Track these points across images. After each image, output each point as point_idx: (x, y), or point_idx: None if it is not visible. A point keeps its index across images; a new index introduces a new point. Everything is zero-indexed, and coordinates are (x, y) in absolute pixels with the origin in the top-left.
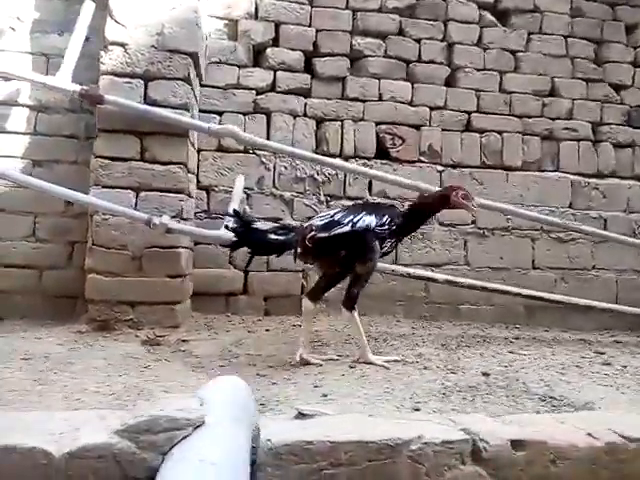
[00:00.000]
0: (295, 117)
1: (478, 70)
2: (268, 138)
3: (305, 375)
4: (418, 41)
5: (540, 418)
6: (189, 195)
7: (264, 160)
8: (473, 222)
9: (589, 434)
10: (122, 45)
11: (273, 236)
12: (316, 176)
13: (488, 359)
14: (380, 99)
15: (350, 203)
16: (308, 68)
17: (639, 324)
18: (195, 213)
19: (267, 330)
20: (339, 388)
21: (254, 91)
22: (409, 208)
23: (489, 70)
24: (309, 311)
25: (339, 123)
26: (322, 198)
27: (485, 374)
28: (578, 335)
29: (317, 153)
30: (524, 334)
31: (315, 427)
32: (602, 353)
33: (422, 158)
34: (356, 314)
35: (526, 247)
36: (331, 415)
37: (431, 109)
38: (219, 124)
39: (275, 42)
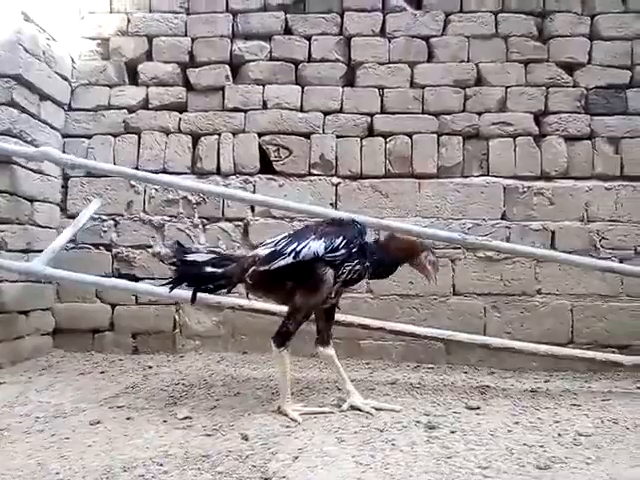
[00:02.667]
0: (168, 134)
1: (382, 64)
2: (138, 158)
3: None
4: (308, 38)
5: None
6: (37, 225)
7: (133, 183)
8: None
9: None
10: None
11: (209, 269)
12: (190, 197)
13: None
14: (264, 107)
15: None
16: (186, 80)
17: (604, 364)
18: None
19: (102, 372)
20: None
21: (126, 110)
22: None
23: (396, 63)
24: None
25: (216, 137)
26: (196, 221)
27: (245, 438)
28: (489, 381)
29: (194, 171)
30: (412, 377)
31: None
32: (475, 408)
33: (313, 170)
34: (285, 354)
35: (444, 269)
36: None
37: (325, 114)
38: (88, 147)
39: (149, 57)
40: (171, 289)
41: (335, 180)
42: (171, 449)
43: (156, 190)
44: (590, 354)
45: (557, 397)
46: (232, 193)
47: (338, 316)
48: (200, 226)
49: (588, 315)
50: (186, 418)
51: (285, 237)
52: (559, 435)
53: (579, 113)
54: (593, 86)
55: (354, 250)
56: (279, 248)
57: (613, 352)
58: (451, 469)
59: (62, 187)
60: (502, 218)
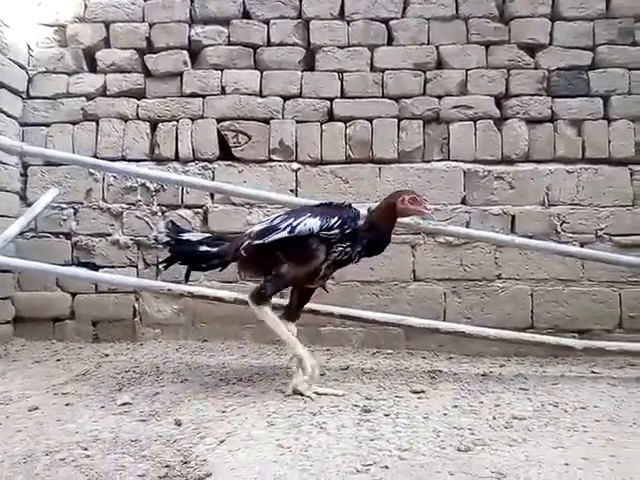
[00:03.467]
0: (126, 121)
1: (341, 48)
2: (96, 146)
3: None
4: (266, 22)
5: None
6: None
7: (92, 170)
8: None
9: None
10: None
11: (204, 247)
12: (148, 184)
13: (231, 399)
14: (223, 92)
15: (182, 213)
16: (144, 67)
17: (563, 349)
18: (22, 232)
19: (57, 360)
20: None
21: (84, 98)
22: (365, 224)
23: (355, 46)
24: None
25: (174, 123)
26: (155, 209)
27: (178, 423)
28: (444, 366)
29: (152, 158)
30: (368, 363)
31: None
32: (419, 392)
33: (273, 156)
34: (267, 308)
35: (404, 255)
36: None
37: (284, 99)
38: (47, 136)
39: (107, 43)
40: (165, 268)
41: (295, 166)
42: (101, 434)
43: (115, 178)
44: (541, 338)
45: (507, 381)
46: (192, 181)
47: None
48: (159, 214)
49: (548, 300)
50: (125, 404)
51: (280, 215)
52: (494, 418)
53: (541, 95)
54: (555, 68)
55: (347, 232)
56: (274, 224)
57: (574, 337)
58: (370, 451)
59: (21, 175)
60: (462, 203)
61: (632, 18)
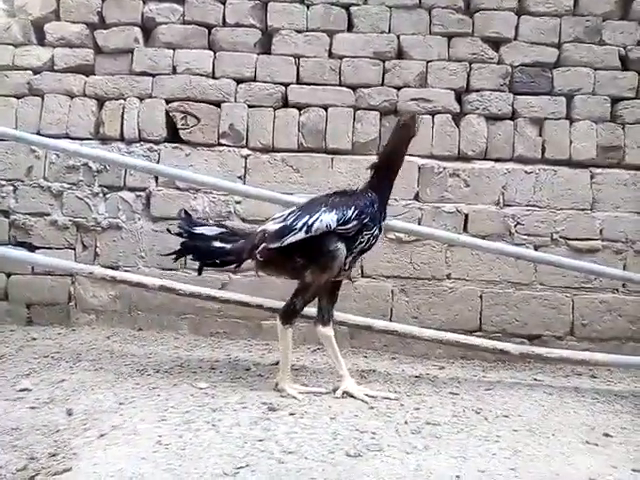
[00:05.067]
0: (72, 97)
1: (299, 32)
2: (40, 121)
3: None
4: (223, 2)
5: None
6: None
7: (33, 147)
8: None
9: None
10: None
11: (218, 243)
12: (91, 164)
13: (137, 391)
14: (174, 72)
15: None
16: (95, 42)
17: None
18: None
19: None
20: None
21: (30, 71)
22: (374, 172)
23: (313, 31)
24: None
25: (121, 102)
26: (96, 189)
27: (69, 413)
28: (383, 366)
29: (97, 137)
30: (302, 360)
31: None
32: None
33: (222, 141)
34: (289, 331)
35: None
36: None
37: (237, 82)
38: None
39: (57, 16)
40: (175, 260)
41: (245, 152)
42: None
43: (57, 156)
44: (477, 341)
45: (439, 385)
46: (137, 164)
47: (218, 293)
48: (100, 195)
49: (498, 302)
50: (24, 390)
51: (293, 211)
52: (405, 422)
53: (502, 91)
54: (518, 63)
55: (366, 221)
56: (289, 222)
57: (522, 342)
58: (250, 452)
59: None
60: (415, 199)
61: (600, 17)
